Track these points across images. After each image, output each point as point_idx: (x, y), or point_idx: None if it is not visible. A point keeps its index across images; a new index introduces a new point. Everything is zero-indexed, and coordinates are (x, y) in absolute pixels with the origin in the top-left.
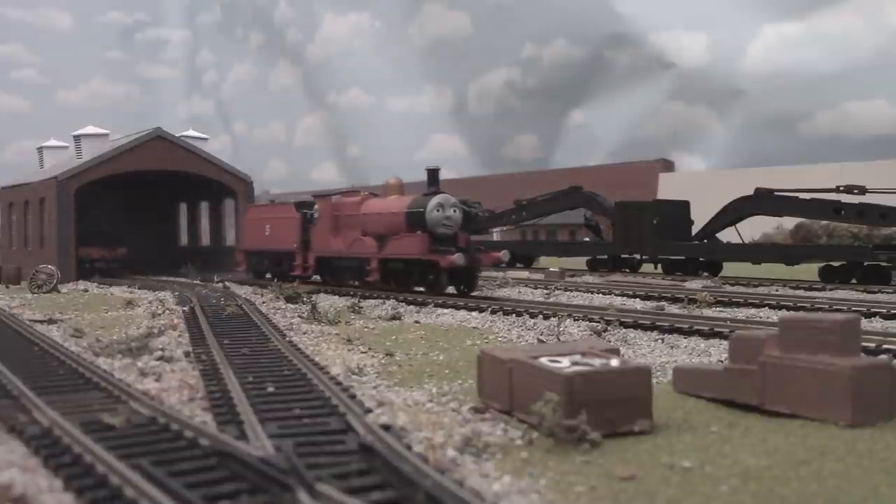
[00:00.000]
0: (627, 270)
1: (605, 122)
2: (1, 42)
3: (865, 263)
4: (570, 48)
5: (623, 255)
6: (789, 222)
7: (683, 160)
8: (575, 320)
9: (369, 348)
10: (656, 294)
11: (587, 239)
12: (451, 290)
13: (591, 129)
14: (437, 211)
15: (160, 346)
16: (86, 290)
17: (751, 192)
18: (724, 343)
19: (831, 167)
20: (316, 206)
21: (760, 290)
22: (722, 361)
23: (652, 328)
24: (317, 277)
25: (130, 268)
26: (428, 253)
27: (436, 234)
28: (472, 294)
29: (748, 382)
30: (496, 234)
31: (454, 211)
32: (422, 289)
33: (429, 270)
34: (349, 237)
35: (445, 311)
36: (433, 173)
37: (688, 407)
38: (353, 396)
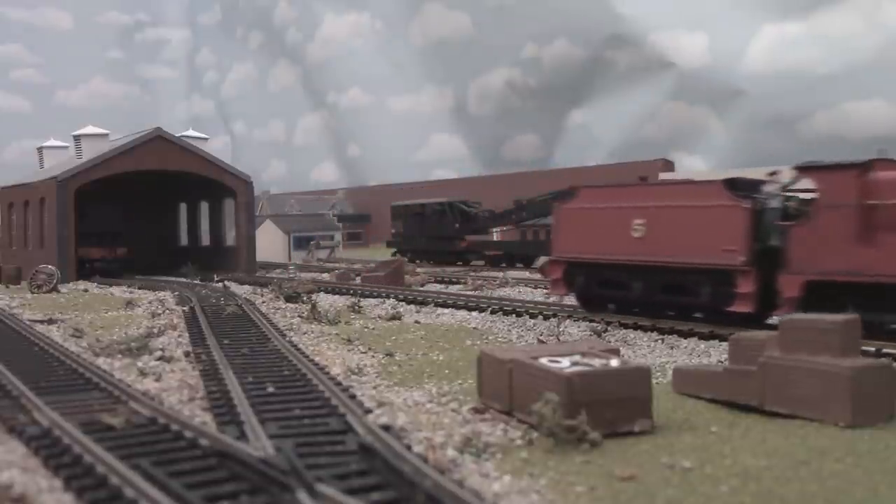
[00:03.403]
0: None
1: (605, 122)
2: (1, 42)
3: None
4: (570, 48)
5: None
6: None
7: (683, 160)
8: (575, 320)
9: (369, 348)
10: None
11: None
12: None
13: (591, 129)
14: None
15: (160, 346)
16: (86, 290)
17: None
18: (724, 344)
19: None
20: (785, 187)
21: None
22: (722, 362)
23: (652, 329)
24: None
25: (130, 268)
26: None
27: None
28: (472, 293)
29: (748, 383)
30: (496, 234)
31: None
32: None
33: None
34: None
35: (445, 311)
36: None
37: (688, 407)
38: (352, 397)
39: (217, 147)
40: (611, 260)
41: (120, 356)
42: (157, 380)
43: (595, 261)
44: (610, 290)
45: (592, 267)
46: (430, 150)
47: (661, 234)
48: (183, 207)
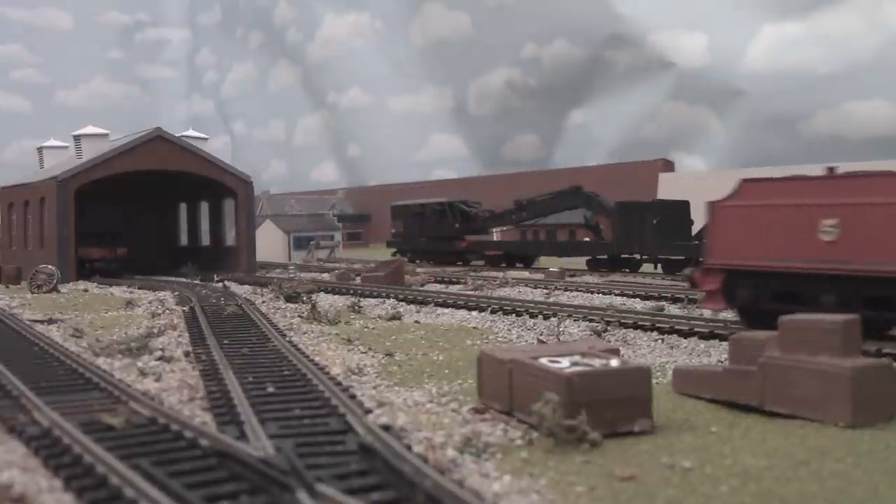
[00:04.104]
0: (627, 270)
1: (605, 122)
2: (1, 42)
3: None
4: (570, 48)
5: (623, 255)
6: None
7: (683, 160)
8: (575, 320)
9: (369, 348)
10: (656, 294)
11: (587, 239)
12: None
13: (591, 129)
14: None
15: (160, 346)
16: (86, 290)
17: None
18: (724, 344)
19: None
20: None
21: None
22: (722, 362)
23: (652, 328)
24: None
25: (130, 268)
26: None
27: None
28: (472, 293)
29: (748, 383)
30: (496, 234)
31: None
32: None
33: None
34: None
35: (445, 310)
36: None
37: (688, 407)
38: (352, 397)
39: (217, 147)
40: (790, 268)
41: (120, 356)
42: (157, 380)
43: (767, 269)
44: (787, 304)
45: (763, 276)
46: (430, 150)
47: (861, 236)
48: (183, 207)
